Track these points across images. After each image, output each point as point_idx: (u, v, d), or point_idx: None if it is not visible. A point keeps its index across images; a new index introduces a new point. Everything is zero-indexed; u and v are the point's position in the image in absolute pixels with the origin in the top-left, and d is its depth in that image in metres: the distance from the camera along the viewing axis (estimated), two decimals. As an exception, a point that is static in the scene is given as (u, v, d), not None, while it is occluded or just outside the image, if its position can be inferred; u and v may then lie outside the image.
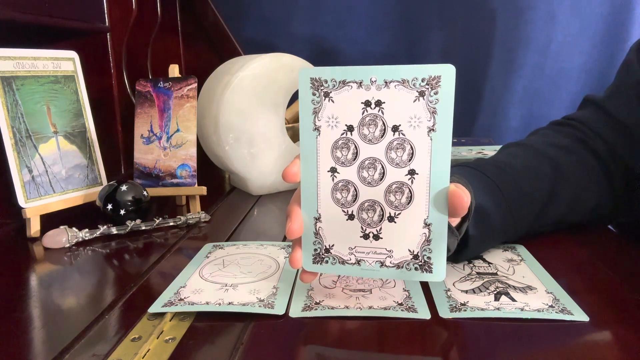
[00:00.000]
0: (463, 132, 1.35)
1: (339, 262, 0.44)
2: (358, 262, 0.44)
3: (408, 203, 0.42)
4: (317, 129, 0.42)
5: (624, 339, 0.41)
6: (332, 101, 0.41)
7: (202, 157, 0.88)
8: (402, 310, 0.45)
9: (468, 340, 0.41)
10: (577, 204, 0.61)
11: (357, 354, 0.39)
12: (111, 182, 0.72)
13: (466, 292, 0.48)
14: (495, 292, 0.48)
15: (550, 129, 0.68)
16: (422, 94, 0.40)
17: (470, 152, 1.04)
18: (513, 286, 0.49)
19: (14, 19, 0.71)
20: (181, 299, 0.47)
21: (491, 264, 0.54)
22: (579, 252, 0.59)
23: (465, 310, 0.44)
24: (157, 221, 0.70)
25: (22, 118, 0.69)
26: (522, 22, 1.28)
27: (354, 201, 0.43)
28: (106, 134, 0.88)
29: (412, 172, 0.41)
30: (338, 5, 1.32)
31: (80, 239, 0.65)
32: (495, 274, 0.52)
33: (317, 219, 0.44)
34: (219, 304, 0.46)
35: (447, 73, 0.39)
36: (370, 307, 0.45)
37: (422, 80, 0.39)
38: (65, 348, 0.41)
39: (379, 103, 0.41)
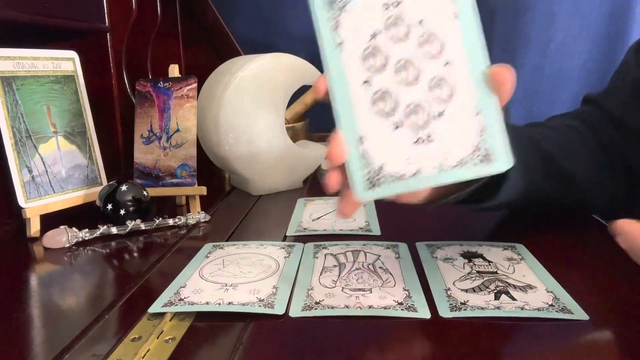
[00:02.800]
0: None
1: (396, 179, 0.40)
2: (415, 173, 0.40)
3: (452, 95, 0.39)
4: (339, 45, 0.40)
5: (624, 338, 0.41)
6: (350, 13, 0.40)
7: (202, 157, 0.88)
8: (402, 309, 0.45)
9: (468, 339, 0.41)
10: (591, 176, 0.62)
11: (357, 354, 0.39)
12: (111, 182, 0.72)
13: (466, 291, 0.48)
14: (495, 291, 0.47)
15: (556, 118, 0.70)
16: None
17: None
18: (513, 285, 0.49)
19: (14, 19, 0.71)
20: (181, 299, 0.47)
21: (491, 262, 0.54)
22: (579, 251, 0.59)
23: (465, 310, 0.44)
24: (157, 221, 0.70)
25: (22, 118, 0.69)
26: (522, 22, 1.28)
27: (396, 108, 0.40)
28: (106, 134, 0.88)
29: (447, 63, 0.39)
30: (338, 5, 1.32)
31: (80, 239, 0.65)
32: (495, 272, 0.52)
33: (360, 140, 0.40)
34: (219, 304, 0.46)
35: None
36: (370, 307, 0.45)
37: None
38: (65, 348, 0.41)
39: (397, 3, 0.39)
